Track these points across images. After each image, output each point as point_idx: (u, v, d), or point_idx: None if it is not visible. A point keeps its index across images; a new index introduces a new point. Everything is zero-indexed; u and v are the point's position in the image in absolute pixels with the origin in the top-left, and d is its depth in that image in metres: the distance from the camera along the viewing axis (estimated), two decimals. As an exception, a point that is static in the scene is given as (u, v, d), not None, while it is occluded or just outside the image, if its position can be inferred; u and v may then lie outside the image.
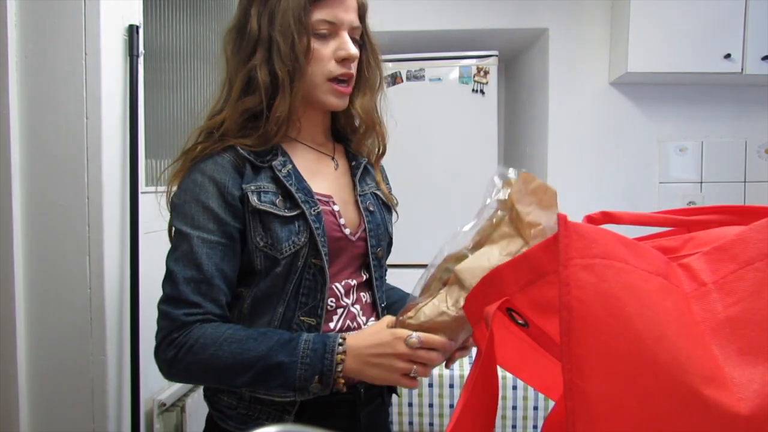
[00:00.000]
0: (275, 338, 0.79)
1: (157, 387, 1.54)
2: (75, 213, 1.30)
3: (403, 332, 0.75)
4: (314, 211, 0.85)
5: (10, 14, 1.26)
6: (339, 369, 0.77)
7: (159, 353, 0.81)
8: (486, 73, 2.29)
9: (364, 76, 0.93)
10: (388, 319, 0.79)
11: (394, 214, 1.03)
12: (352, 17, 0.87)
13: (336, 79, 0.87)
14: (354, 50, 0.87)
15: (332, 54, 0.86)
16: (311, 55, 0.85)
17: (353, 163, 0.98)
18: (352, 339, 0.79)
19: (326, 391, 0.78)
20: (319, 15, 0.84)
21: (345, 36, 0.87)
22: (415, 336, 0.74)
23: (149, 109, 1.54)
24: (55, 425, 1.33)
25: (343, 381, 0.78)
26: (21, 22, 1.27)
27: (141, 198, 1.40)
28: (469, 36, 2.38)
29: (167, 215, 0.88)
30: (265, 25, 0.84)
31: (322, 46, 0.86)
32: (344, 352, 0.77)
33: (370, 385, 0.88)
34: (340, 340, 0.78)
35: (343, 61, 0.86)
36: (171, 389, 1.56)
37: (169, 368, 0.81)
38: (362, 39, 0.92)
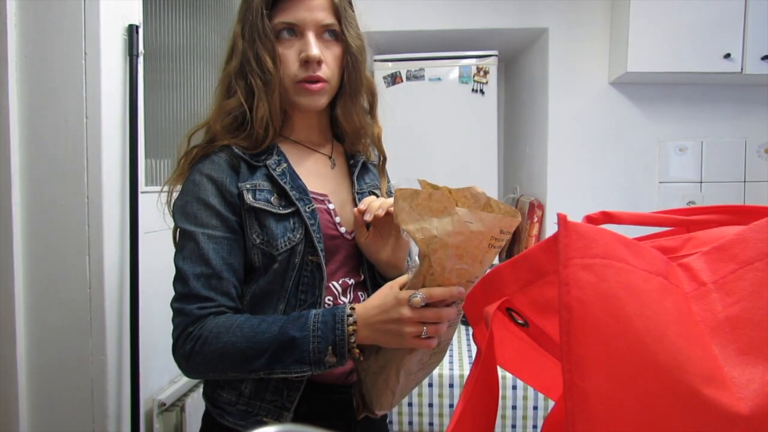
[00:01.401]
0: (285, 318, 0.80)
1: (156, 387, 1.54)
2: (75, 213, 1.30)
3: (407, 294, 0.74)
4: (309, 208, 0.86)
5: (10, 14, 1.26)
6: (352, 340, 0.77)
7: (176, 349, 0.82)
8: (486, 72, 2.29)
9: (344, 80, 0.92)
10: (401, 280, 0.78)
11: None
12: (317, 16, 0.85)
13: (302, 81, 0.86)
14: (313, 51, 0.84)
15: (296, 57, 0.86)
16: (278, 60, 0.85)
17: (351, 161, 0.99)
18: (361, 307, 0.79)
19: (342, 362, 0.78)
20: (279, 18, 0.85)
21: (308, 37, 0.85)
22: (419, 294, 0.73)
23: (149, 108, 1.54)
24: (54, 425, 1.33)
25: (358, 351, 0.78)
26: (21, 22, 1.27)
27: (141, 198, 1.40)
28: (468, 36, 2.38)
29: (168, 218, 0.90)
30: (238, 35, 0.87)
31: (288, 49, 0.86)
32: (355, 323, 0.77)
33: None
34: (349, 311, 0.78)
35: (306, 63, 0.85)
36: (171, 389, 1.56)
37: (187, 362, 0.81)
38: (343, 42, 0.89)
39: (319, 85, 0.87)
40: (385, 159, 1.04)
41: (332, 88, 0.90)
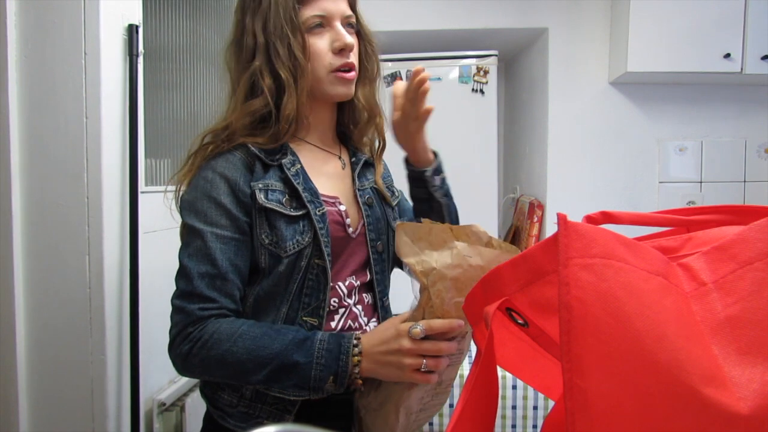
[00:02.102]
0: (290, 336, 0.79)
1: (156, 386, 1.54)
2: (74, 213, 1.30)
3: (407, 325, 0.74)
4: (319, 211, 0.85)
5: (10, 14, 1.26)
6: (356, 371, 0.77)
7: (173, 348, 0.81)
8: (486, 72, 2.29)
9: (363, 66, 0.94)
10: (404, 315, 0.79)
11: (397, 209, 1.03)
12: (342, 7, 0.88)
13: (338, 69, 0.88)
14: (349, 39, 0.87)
15: (329, 47, 0.87)
16: (309, 52, 0.86)
17: (353, 159, 0.99)
18: (365, 338, 0.78)
19: (340, 390, 0.78)
20: (309, 11, 0.86)
21: (338, 27, 0.87)
22: (419, 326, 0.73)
23: (149, 108, 1.54)
24: (54, 425, 1.33)
25: (361, 381, 0.78)
26: (21, 21, 1.27)
27: (140, 197, 1.40)
28: (468, 36, 2.38)
29: (175, 215, 0.89)
30: (260, 32, 0.86)
31: (318, 40, 0.87)
32: (360, 353, 0.77)
33: None
34: (355, 341, 0.78)
35: (341, 51, 0.87)
36: (171, 389, 1.56)
37: (184, 363, 0.80)
38: (357, 28, 0.92)
39: (352, 73, 0.89)
40: (384, 146, 1.04)
41: (356, 77, 0.92)
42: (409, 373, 0.75)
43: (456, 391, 1.64)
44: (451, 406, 1.65)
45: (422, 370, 0.74)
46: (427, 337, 0.74)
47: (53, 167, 1.30)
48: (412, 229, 0.72)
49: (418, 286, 0.75)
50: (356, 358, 0.77)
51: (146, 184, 1.48)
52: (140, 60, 1.41)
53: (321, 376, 0.76)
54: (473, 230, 0.72)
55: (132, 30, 1.39)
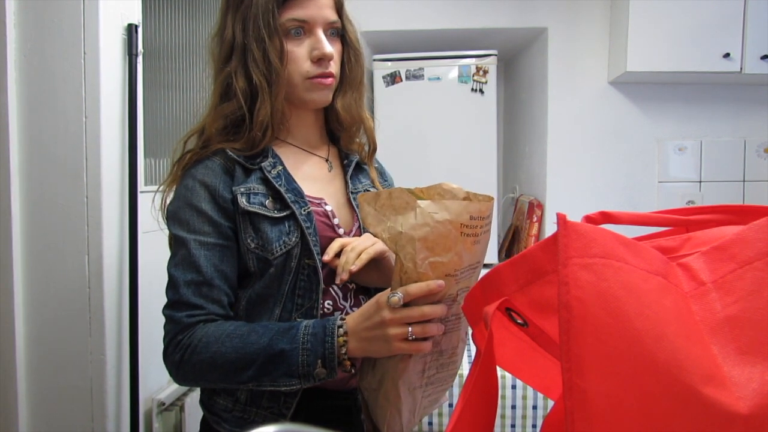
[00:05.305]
0: (276, 328, 0.78)
1: (156, 386, 1.54)
2: (74, 212, 1.30)
3: (385, 295, 0.72)
4: (304, 210, 0.84)
5: (9, 13, 1.26)
6: (343, 351, 0.75)
7: (167, 358, 0.81)
8: (485, 72, 2.29)
9: (345, 73, 0.92)
10: (388, 289, 0.76)
11: None
12: (326, 13, 0.85)
13: (315, 77, 0.86)
14: (328, 49, 0.84)
15: (308, 54, 0.85)
16: (286, 58, 0.84)
17: (345, 161, 0.98)
18: (350, 318, 0.77)
19: (333, 376, 0.76)
20: (289, 14, 0.83)
21: (319, 34, 0.84)
22: (397, 294, 0.70)
23: (148, 108, 1.54)
24: (54, 425, 1.33)
25: (350, 363, 0.76)
26: (20, 21, 1.27)
27: (140, 197, 1.40)
28: (468, 35, 2.38)
29: (164, 226, 0.89)
30: (238, 32, 0.84)
31: (297, 46, 0.84)
32: (346, 333, 0.75)
33: None
34: (340, 322, 0.76)
35: (319, 61, 0.85)
36: (170, 389, 1.56)
37: (177, 371, 0.80)
38: (342, 35, 0.90)
39: (330, 80, 0.87)
40: (374, 149, 1.02)
41: (336, 84, 0.90)
42: (396, 344, 0.71)
43: (456, 391, 1.64)
44: (450, 405, 1.65)
45: (410, 338, 0.71)
46: (409, 305, 0.71)
47: (53, 167, 1.30)
48: (373, 198, 0.70)
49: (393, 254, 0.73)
50: (342, 338, 0.75)
51: (145, 184, 1.48)
52: (139, 59, 1.41)
53: (308, 361, 0.75)
54: (444, 188, 0.70)
55: (131, 29, 1.39)
